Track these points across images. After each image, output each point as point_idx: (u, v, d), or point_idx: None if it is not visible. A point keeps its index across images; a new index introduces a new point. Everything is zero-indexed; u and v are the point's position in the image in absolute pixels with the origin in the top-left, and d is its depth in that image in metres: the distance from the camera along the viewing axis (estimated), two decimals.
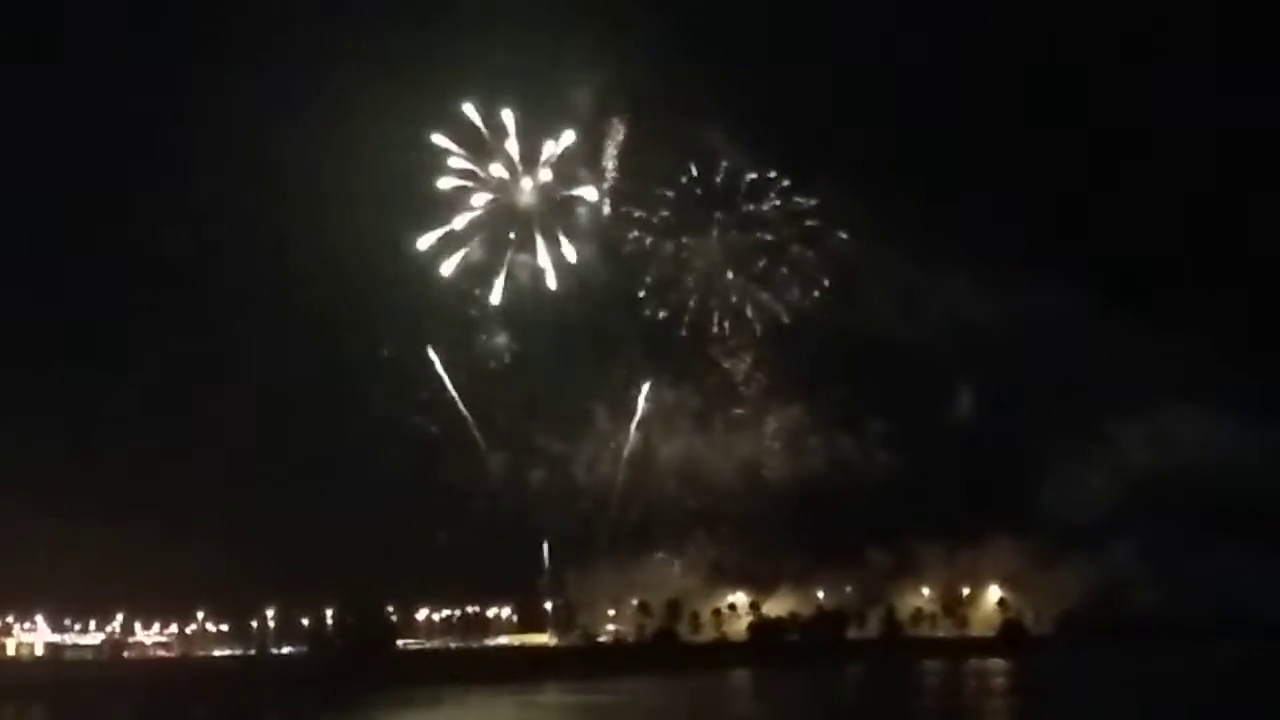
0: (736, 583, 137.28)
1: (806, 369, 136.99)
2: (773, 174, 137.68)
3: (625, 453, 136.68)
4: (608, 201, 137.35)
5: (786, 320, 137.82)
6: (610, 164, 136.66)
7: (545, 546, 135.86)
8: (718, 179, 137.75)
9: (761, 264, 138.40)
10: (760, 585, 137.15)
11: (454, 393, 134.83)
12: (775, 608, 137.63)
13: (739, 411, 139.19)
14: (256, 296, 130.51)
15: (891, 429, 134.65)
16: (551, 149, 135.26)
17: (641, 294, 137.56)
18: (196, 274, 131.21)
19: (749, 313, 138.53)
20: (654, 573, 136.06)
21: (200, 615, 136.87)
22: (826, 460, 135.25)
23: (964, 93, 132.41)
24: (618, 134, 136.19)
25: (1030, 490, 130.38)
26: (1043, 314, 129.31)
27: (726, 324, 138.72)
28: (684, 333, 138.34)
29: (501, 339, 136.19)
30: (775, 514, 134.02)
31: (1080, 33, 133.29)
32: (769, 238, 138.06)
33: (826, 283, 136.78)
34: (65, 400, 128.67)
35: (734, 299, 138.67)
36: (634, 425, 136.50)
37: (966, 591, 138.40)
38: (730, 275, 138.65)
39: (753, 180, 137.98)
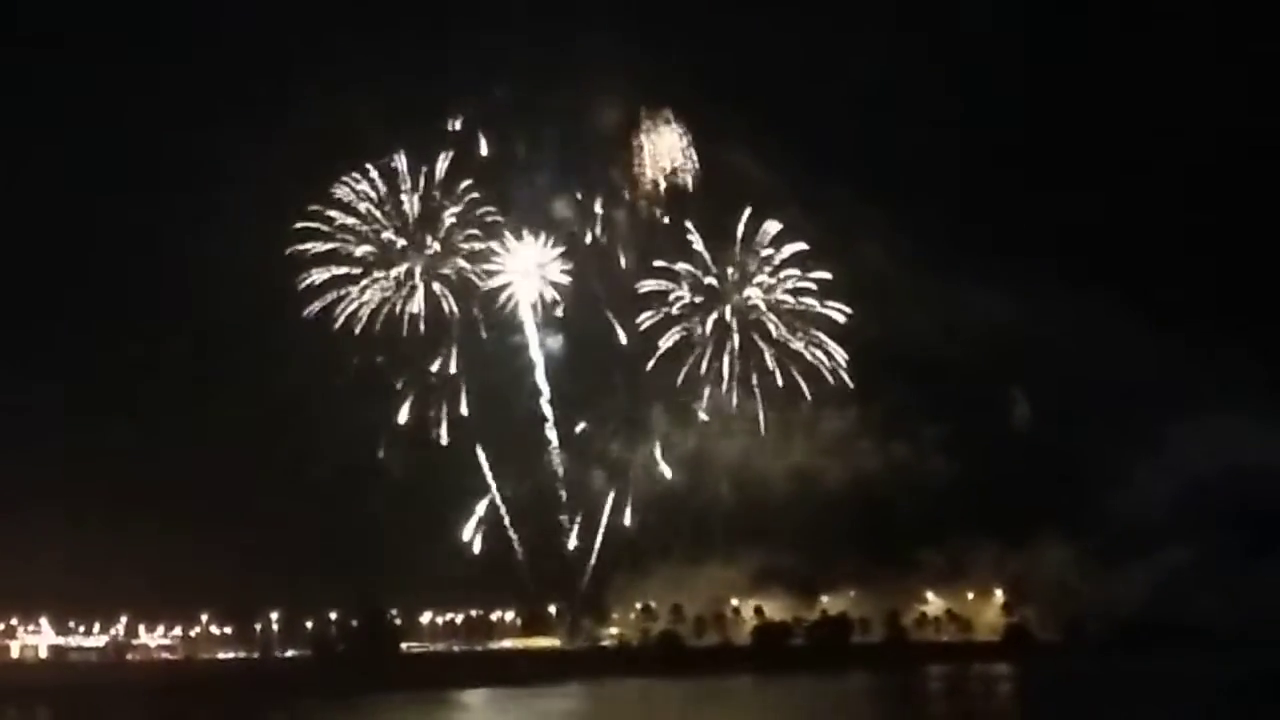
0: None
1: (861, 375, 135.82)
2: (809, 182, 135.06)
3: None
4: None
5: (838, 327, 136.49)
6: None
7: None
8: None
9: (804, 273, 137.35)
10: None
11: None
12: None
13: (792, 416, 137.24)
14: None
15: (947, 435, 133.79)
16: None
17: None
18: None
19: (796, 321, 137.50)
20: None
21: (204, 618, 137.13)
22: (881, 465, 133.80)
23: (1007, 103, 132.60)
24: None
25: (1085, 496, 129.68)
26: (1098, 320, 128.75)
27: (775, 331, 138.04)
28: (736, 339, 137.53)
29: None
30: (828, 518, 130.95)
31: (1112, 35, 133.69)
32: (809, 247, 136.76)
33: (874, 293, 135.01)
34: (68, 403, 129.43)
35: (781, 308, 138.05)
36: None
37: (971, 596, 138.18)
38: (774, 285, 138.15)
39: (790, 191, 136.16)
